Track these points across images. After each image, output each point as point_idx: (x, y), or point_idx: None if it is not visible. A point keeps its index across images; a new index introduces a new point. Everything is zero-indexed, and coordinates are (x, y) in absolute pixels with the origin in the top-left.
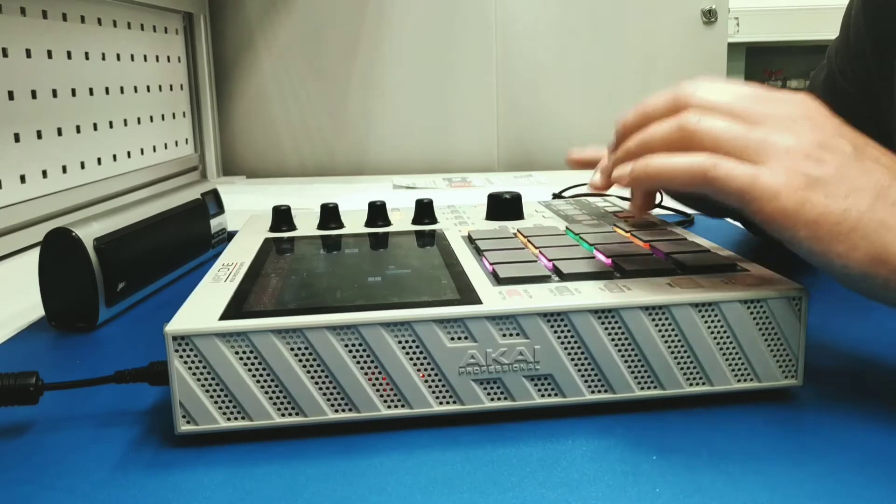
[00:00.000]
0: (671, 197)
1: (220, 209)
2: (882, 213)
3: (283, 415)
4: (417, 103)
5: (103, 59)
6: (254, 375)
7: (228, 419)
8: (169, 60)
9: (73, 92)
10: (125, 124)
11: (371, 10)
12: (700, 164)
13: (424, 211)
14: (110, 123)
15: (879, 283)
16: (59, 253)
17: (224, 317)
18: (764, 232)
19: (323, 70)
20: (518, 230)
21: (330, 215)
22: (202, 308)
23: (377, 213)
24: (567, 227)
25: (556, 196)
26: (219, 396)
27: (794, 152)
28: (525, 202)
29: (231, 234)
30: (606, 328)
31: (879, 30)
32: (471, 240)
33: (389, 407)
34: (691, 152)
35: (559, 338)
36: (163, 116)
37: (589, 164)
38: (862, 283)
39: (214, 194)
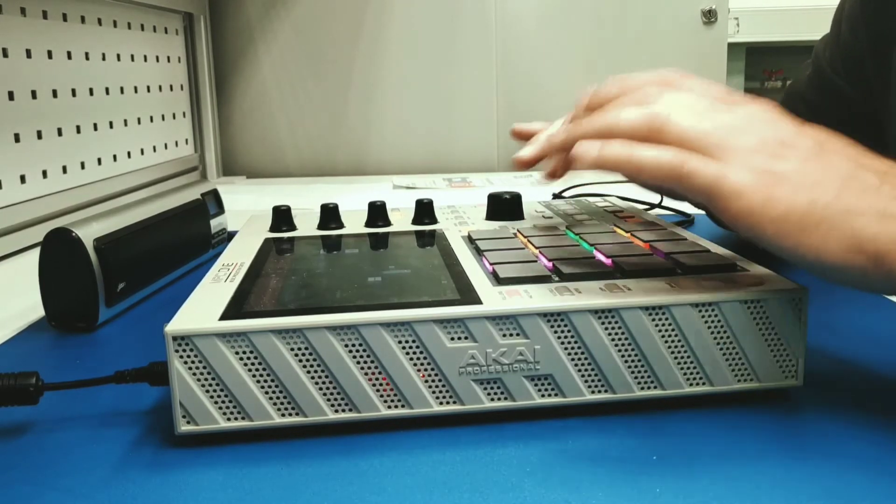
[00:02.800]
0: (635, 183)
1: (220, 209)
2: (849, 201)
3: (283, 415)
4: (418, 103)
5: (103, 59)
6: (254, 375)
7: (228, 419)
8: (169, 61)
9: (74, 92)
10: (125, 124)
11: (371, 10)
12: (670, 160)
13: (424, 211)
14: (110, 124)
15: (857, 272)
16: (59, 253)
17: (224, 317)
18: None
19: (323, 70)
20: (518, 230)
21: (330, 215)
22: (202, 308)
23: (377, 213)
24: (567, 227)
25: (556, 196)
26: (219, 396)
27: (757, 151)
28: (525, 202)
29: (231, 235)
30: (606, 328)
31: (878, 26)
32: (471, 240)
33: (389, 407)
34: (659, 146)
35: (559, 338)
36: (163, 116)
37: (529, 137)
38: (839, 274)
39: (214, 194)
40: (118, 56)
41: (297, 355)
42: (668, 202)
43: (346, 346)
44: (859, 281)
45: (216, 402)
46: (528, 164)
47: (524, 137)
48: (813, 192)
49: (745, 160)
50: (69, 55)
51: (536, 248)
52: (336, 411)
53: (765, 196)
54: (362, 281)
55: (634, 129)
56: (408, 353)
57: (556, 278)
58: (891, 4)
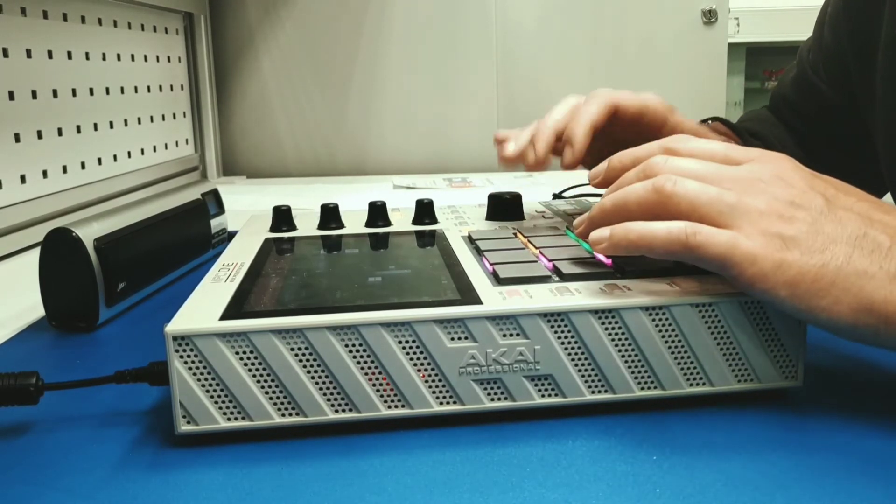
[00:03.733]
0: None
1: (221, 209)
2: (860, 263)
3: (283, 415)
4: (418, 103)
5: (104, 59)
6: (254, 375)
7: (228, 419)
8: (169, 60)
9: (74, 92)
10: (125, 124)
11: (371, 10)
12: (679, 233)
13: (425, 211)
14: (111, 123)
15: (869, 332)
16: (59, 253)
17: (224, 317)
18: None
19: (323, 70)
20: (518, 230)
21: (330, 215)
22: (202, 308)
23: (377, 213)
24: (567, 227)
25: (557, 196)
26: (219, 396)
27: (766, 214)
28: (525, 202)
29: (231, 234)
30: (606, 328)
31: (859, 30)
32: (471, 240)
33: (389, 407)
34: (668, 221)
35: (559, 338)
36: (163, 116)
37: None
38: (851, 333)
39: (214, 194)
40: (118, 56)
41: (297, 355)
42: None
43: (347, 346)
44: (871, 340)
45: (216, 402)
46: (511, 159)
47: (504, 142)
48: (824, 256)
49: (755, 224)
50: (69, 55)
51: (536, 248)
52: (336, 411)
53: (777, 261)
54: (362, 281)
55: (643, 205)
56: (408, 353)
57: (556, 278)
58: (872, 7)
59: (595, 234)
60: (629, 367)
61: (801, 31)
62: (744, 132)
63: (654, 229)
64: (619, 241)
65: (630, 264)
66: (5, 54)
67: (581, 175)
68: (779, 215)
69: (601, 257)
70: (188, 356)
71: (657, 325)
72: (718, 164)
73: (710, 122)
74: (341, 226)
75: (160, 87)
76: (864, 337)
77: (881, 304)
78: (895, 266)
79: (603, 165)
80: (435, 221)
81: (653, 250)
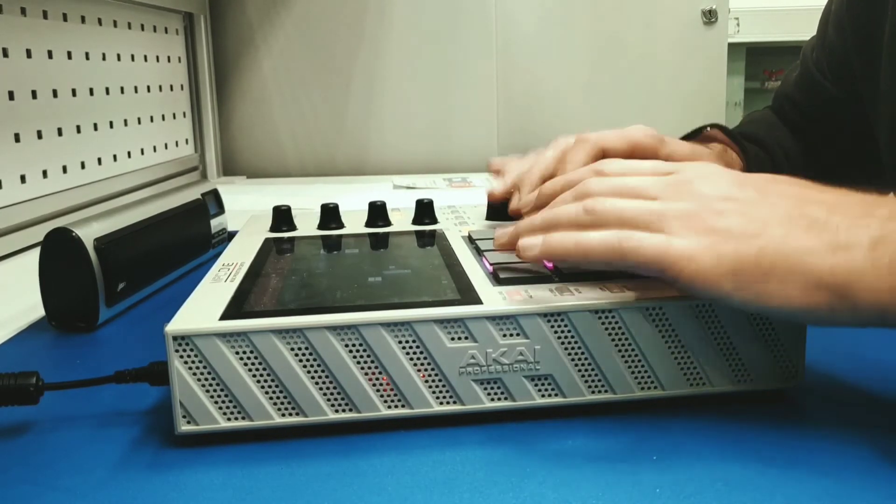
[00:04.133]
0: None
1: (221, 209)
2: (797, 240)
3: (283, 415)
4: (418, 103)
5: (104, 59)
6: (254, 375)
7: (228, 419)
8: (169, 60)
9: (74, 92)
10: (125, 124)
11: (371, 10)
12: (612, 239)
13: (425, 211)
14: (111, 123)
15: (824, 310)
16: (59, 253)
17: (224, 317)
18: None
19: (323, 70)
20: None
21: (330, 215)
22: (202, 308)
23: (377, 213)
24: None
25: None
26: (219, 396)
27: (696, 213)
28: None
29: (231, 234)
30: (606, 328)
31: (863, 28)
32: (471, 240)
33: (389, 407)
34: (601, 229)
35: (559, 338)
36: (163, 116)
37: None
38: (807, 316)
39: (214, 194)
40: (118, 56)
41: (297, 355)
42: None
43: (347, 346)
44: (829, 318)
45: (216, 402)
46: (499, 198)
47: (497, 173)
48: (760, 240)
49: (686, 225)
50: (69, 55)
51: None
52: (336, 411)
53: (713, 255)
54: (362, 281)
55: (573, 219)
56: (408, 353)
57: (556, 278)
58: (876, 6)
59: (526, 241)
60: (629, 367)
61: (801, 31)
62: (740, 138)
63: (589, 238)
64: (554, 248)
65: None
66: (5, 54)
67: None
68: (710, 210)
69: None
70: (188, 356)
71: (657, 325)
72: (646, 178)
73: (707, 128)
74: (341, 226)
75: (160, 87)
76: (822, 317)
77: (828, 276)
78: (833, 237)
79: (533, 195)
80: (435, 221)
81: (588, 257)
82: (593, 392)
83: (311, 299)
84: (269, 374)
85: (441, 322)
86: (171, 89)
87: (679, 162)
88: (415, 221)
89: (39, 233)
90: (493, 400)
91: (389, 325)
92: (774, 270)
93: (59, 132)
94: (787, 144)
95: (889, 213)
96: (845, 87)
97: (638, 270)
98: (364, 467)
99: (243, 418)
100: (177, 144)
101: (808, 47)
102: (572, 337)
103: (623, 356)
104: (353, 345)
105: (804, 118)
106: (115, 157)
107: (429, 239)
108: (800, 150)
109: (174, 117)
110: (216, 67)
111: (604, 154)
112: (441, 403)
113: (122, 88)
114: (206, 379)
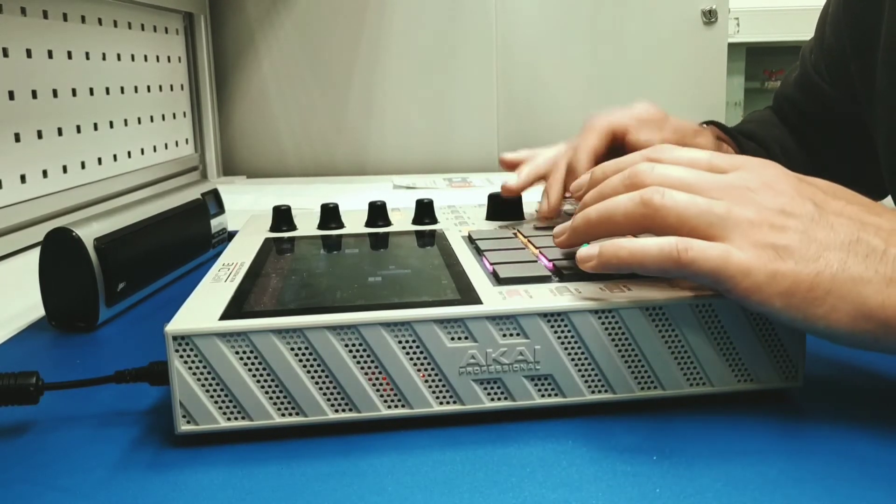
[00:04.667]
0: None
1: (221, 209)
2: (855, 269)
3: (283, 415)
4: (418, 103)
5: (104, 59)
6: (254, 375)
7: (228, 419)
8: (169, 60)
9: (74, 92)
10: (125, 124)
11: (371, 10)
12: (671, 250)
13: (425, 211)
14: (111, 123)
15: (868, 338)
16: (59, 253)
17: (224, 317)
18: None
19: (323, 70)
20: (518, 230)
21: (330, 215)
22: (202, 308)
23: (377, 213)
24: None
25: None
26: (219, 396)
27: (757, 224)
28: (525, 202)
29: (231, 234)
30: (606, 328)
31: (860, 29)
32: (471, 240)
33: (389, 407)
34: (656, 235)
35: (559, 338)
36: (163, 116)
37: (516, 166)
38: (850, 340)
39: (215, 194)
40: (118, 56)
41: (297, 355)
42: None
43: (347, 346)
44: (871, 346)
45: (216, 402)
46: (514, 193)
47: (511, 167)
48: (818, 264)
49: (747, 236)
50: (69, 55)
51: (536, 248)
52: (336, 411)
53: (771, 272)
54: (362, 281)
55: (630, 217)
56: (408, 353)
57: (556, 278)
58: (873, 7)
59: (583, 252)
60: (629, 367)
61: (801, 31)
62: (738, 135)
63: (645, 246)
64: (608, 259)
65: None
66: (5, 54)
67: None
68: (770, 225)
69: None
70: (188, 356)
71: (657, 325)
72: (704, 173)
73: (704, 125)
74: (341, 226)
75: (160, 87)
76: (864, 343)
77: (879, 309)
78: (890, 269)
79: (585, 177)
80: (435, 221)
81: (644, 267)
82: (593, 392)
83: (311, 299)
84: (269, 374)
85: (441, 322)
86: (171, 89)
87: (733, 155)
88: (415, 221)
89: (39, 233)
90: (493, 400)
91: (389, 325)
92: (828, 297)
93: (60, 132)
94: (786, 143)
95: None
96: (843, 88)
97: (690, 279)
98: (364, 467)
99: (243, 418)
100: (177, 144)
101: (806, 48)
102: (572, 337)
103: (623, 356)
104: (353, 345)
105: (803, 118)
106: (115, 156)
107: (429, 239)
108: (798, 150)
109: (174, 117)
110: (216, 67)
111: (614, 134)
112: (441, 403)
113: (122, 88)
114: (206, 379)
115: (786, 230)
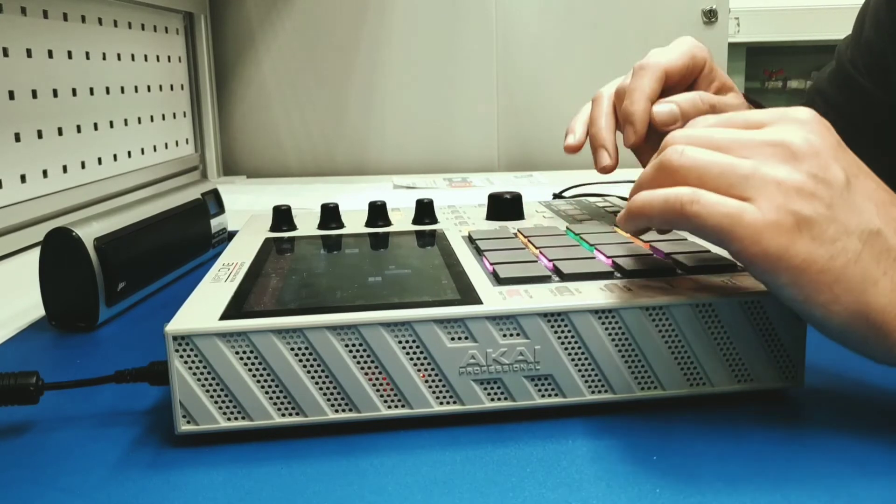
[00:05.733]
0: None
1: (221, 209)
2: (866, 265)
3: (283, 415)
4: (418, 103)
5: (104, 58)
6: (254, 375)
7: (228, 419)
8: (169, 60)
9: (74, 92)
10: (126, 124)
11: (371, 10)
12: (675, 200)
13: (425, 211)
14: (111, 123)
15: (857, 337)
16: (59, 253)
17: (224, 317)
18: None
19: (323, 70)
20: (518, 230)
21: (330, 215)
22: (202, 308)
23: (377, 213)
24: (567, 227)
25: (557, 196)
26: (219, 396)
27: (785, 186)
28: (525, 202)
29: (231, 234)
30: (606, 328)
31: None
32: (471, 240)
33: (389, 407)
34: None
35: (559, 338)
36: (163, 116)
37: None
38: (839, 335)
39: (215, 194)
40: (118, 56)
41: (297, 355)
42: None
43: (347, 346)
44: (856, 345)
45: (216, 402)
46: (575, 149)
47: (573, 150)
48: (834, 247)
49: (771, 198)
50: (69, 55)
51: (537, 248)
52: (336, 411)
53: (784, 242)
54: (362, 281)
55: (652, 181)
56: (408, 353)
57: (557, 278)
58: None
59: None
60: (629, 367)
61: (801, 31)
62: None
63: (652, 196)
64: (625, 217)
65: (630, 264)
66: (5, 54)
67: (580, 175)
68: (798, 190)
69: (601, 257)
70: (188, 356)
71: (657, 325)
72: (736, 130)
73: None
74: (341, 225)
75: (160, 87)
76: (851, 341)
77: (878, 313)
78: None
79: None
80: (435, 221)
81: (652, 221)
82: (593, 392)
83: (311, 299)
84: (269, 374)
85: (441, 322)
86: (171, 89)
87: (773, 109)
88: (415, 221)
89: (39, 233)
90: (493, 400)
91: (389, 325)
92: (834, 286)
93: (60, 132)
94: None
95: None
96: (880, 83)
97: (699, 235)
98: (364, 467)
99: (243, 418)
100: (177, 144)
101: (842, 45)
102: (572, 337)
103: (623, 356)
104: (353, 345)
105: (836, 113)
106: (115, 156)
107: (429, 239)
108: None
109: (174, 117)
110: (216, 67)
111: (667, 75)
112: (441, 403)
113: (122, 88)
114: (206, 379)
115: (813, 199)
